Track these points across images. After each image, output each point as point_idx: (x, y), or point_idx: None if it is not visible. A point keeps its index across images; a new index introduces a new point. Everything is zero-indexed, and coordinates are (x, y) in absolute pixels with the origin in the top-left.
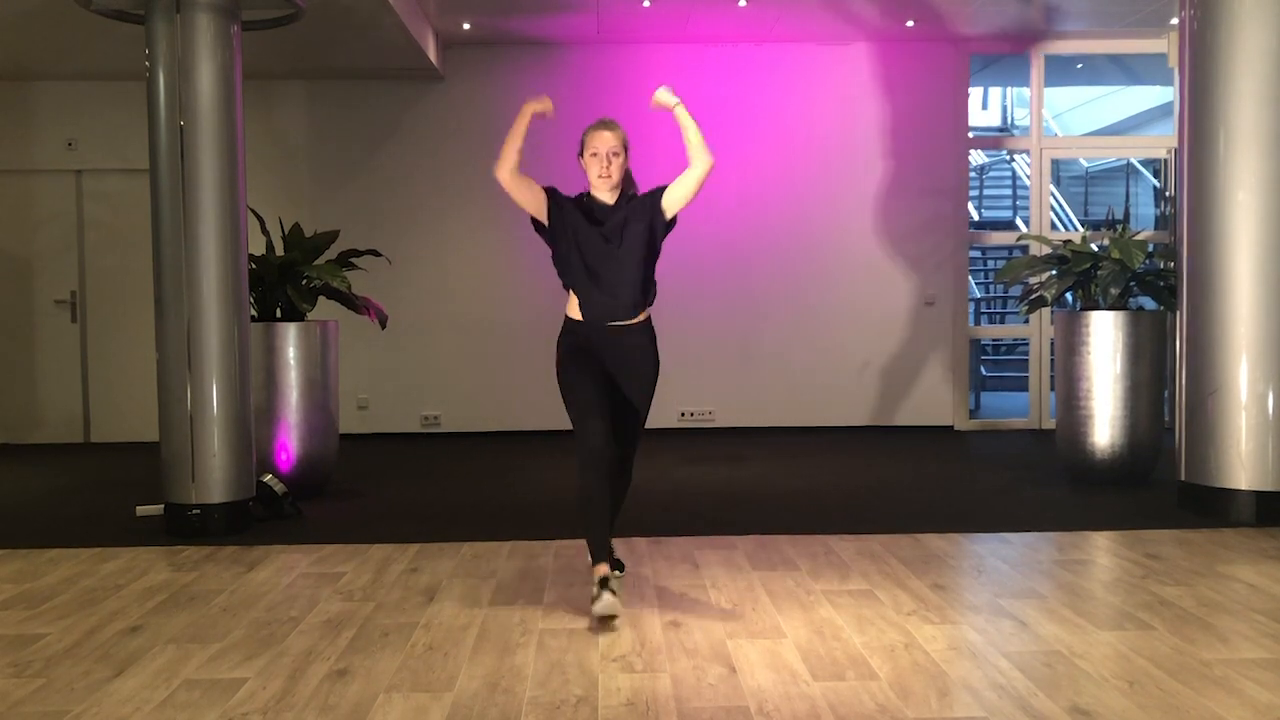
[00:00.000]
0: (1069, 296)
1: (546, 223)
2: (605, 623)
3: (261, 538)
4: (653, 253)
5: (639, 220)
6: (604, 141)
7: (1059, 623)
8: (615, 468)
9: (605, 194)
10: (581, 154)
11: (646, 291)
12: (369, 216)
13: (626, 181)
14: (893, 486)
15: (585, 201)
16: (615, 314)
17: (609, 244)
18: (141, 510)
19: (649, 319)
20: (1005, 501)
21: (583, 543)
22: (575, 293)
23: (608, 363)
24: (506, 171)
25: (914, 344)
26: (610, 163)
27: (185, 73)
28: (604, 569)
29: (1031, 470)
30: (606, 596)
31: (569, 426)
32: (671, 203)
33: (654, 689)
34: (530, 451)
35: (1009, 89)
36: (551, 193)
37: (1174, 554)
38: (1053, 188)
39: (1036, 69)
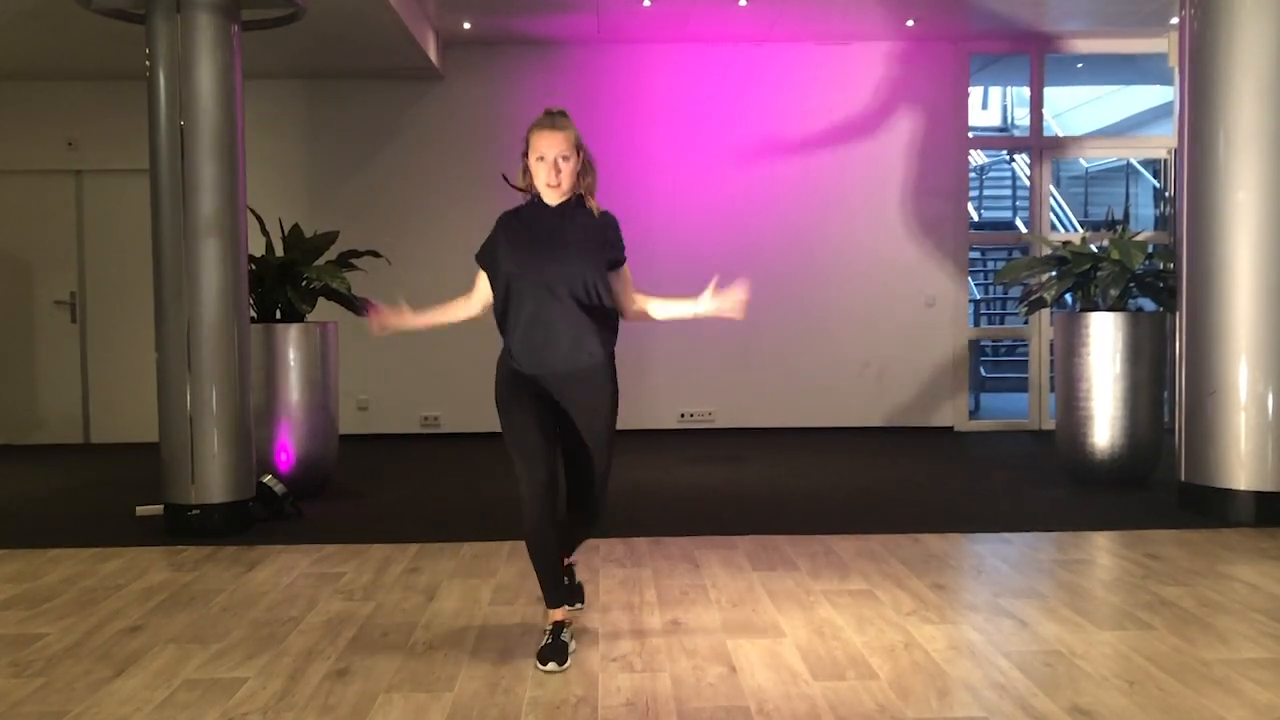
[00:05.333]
0: (1069, 297)
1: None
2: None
3: (261, 538)
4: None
5: (592, 237)
6: (552, 144)
7: (1059, 623)
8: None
9: (555, 201)
10: (523, 151)
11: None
12: (369, 216)
13: (582, 186)
14: (892, 486)
15: (527, 213)
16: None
17: (550, 249)
18: (141, 510)
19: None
20: (1005, 501)
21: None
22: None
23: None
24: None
25: (914, 344)
26: (559, 170)
27: (185, 73)
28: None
29: (1031, 470)
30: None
31: None
32: (613, 279)
33: (654, 689)
34: None
35: (1009, 89)
36: (486, 254)
37: (1174, 554)
38: (1052, 188)
39: (1036, 69)
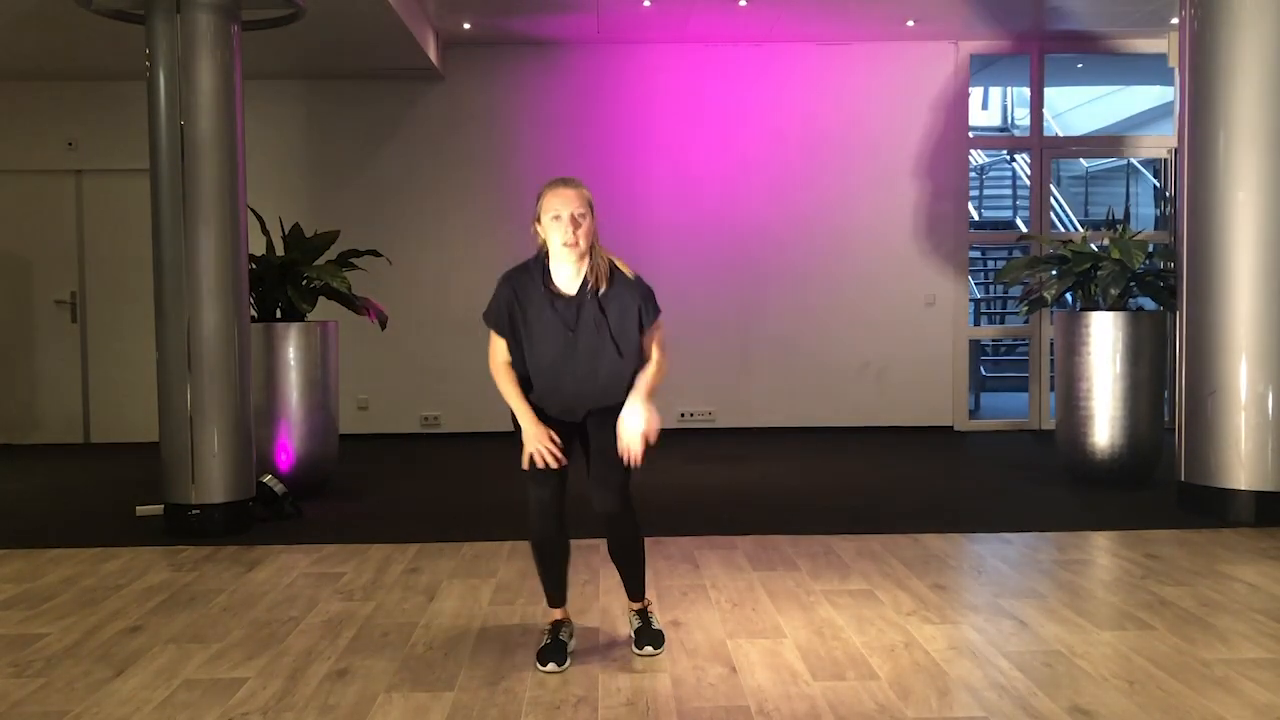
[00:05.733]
0: (1069, 297)
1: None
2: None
3: (261, 538)
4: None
5: (616, 314)
6: (567, 201)
7: (1059, 623)
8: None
9: (570, 266)
10: (538, 218)
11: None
12: (369, 216)
13: (595, 252)
14: (893, 486)
15: (541, 284)
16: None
17: (573, 341)
18: (141, 510)
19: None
20: (1005, 501)
21: (582, 543)
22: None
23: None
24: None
25: (914, 344)
26: (578, 226)
27: (185, 73)
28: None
29: (1031, 470)
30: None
31: None
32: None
33: (654, 689)
34: None
35: (1009, 89)
36: (500, 321)
37: (1174, 554)
38: (1053, 188)
39: (1036, 69)
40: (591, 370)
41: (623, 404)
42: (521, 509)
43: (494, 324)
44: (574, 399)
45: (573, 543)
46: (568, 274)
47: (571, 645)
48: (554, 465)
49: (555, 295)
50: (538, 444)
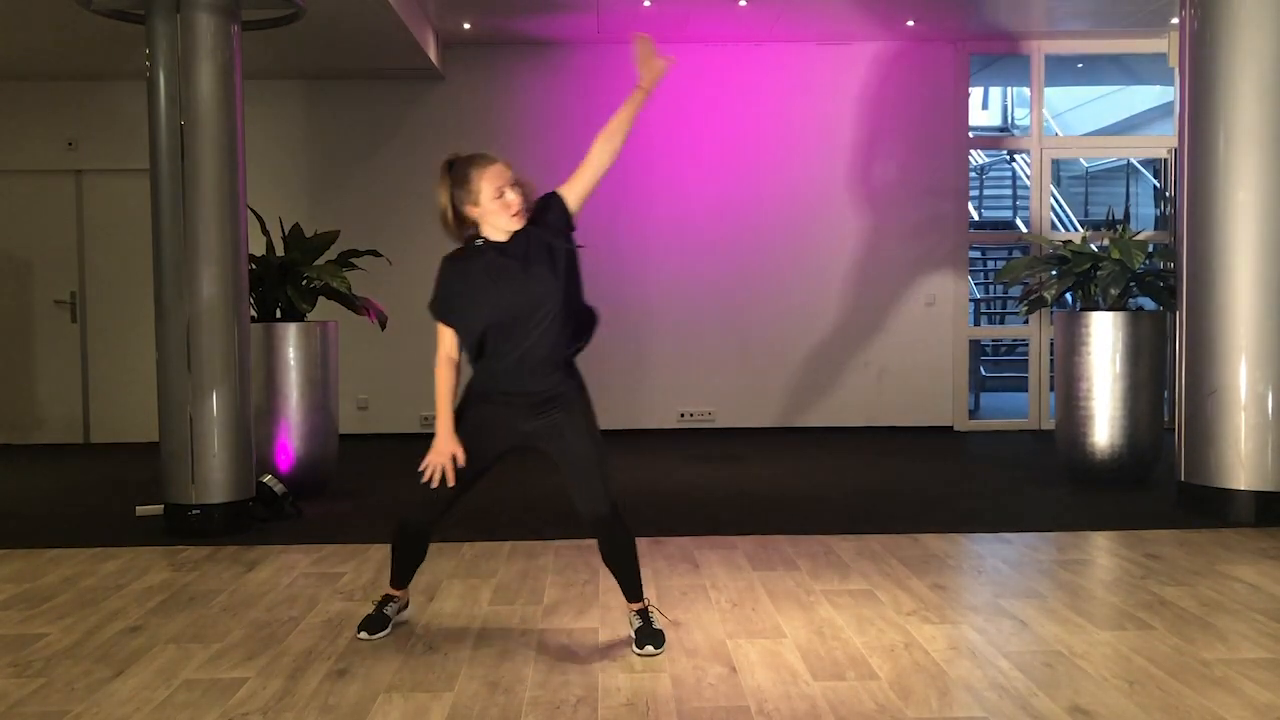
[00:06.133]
0: (1069, 297)
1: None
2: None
3: (261, 538)
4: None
5: (552, 235)
6: (503, 175)
7: (1059, 623)
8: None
9: (517, 227)
10: (470, 200)
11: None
12: (369, 216)
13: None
14: (893, 486)
15: (485, 261)
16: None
17: (528, 272)
18: (141, 510)
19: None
20: (1005, 501)
21: (582, 542)
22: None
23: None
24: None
25: (914, 344)
26: (517, 194)
27: (185, 73)
28: (394, 590)
29: (1031, 470)
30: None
31: None
32: (576, 199)
33: (654, 689)
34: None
35: (1009, 89)
36: (445, 307)
37: (1174, 554)
38: (1053, 188)
39: (1036, 69)
40: (548, 302)
41: (570, 403)
42: (519, 509)
43: (438, 310)
44: (531, 353)
45: (573, 543)
46: (504, 238)
47: (396, 620)
48: (448, 483)
49: (501, 247)
50: (441, 459)
